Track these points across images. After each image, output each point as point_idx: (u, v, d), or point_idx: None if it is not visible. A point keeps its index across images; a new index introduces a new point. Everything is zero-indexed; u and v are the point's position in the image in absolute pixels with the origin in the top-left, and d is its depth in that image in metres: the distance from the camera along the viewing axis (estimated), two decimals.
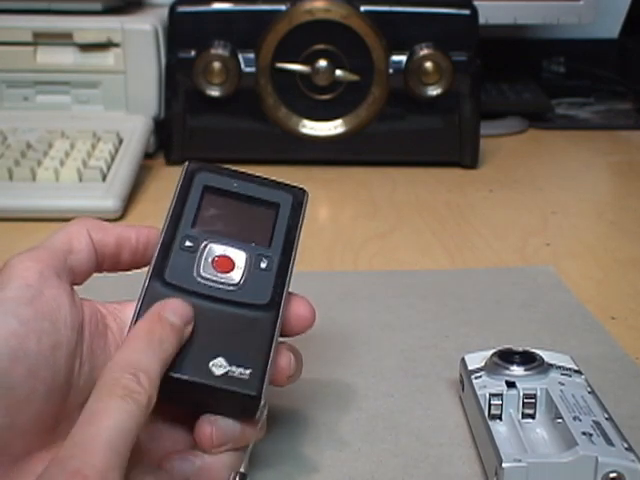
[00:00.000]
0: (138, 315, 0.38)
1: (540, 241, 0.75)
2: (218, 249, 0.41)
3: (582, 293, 0.64)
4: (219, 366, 0.38)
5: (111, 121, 0.93)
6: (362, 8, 0.92)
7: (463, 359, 0.48)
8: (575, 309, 0.61)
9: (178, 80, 0.93)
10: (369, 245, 0.74)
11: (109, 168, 0.84)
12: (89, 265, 0.41)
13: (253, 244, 0.42)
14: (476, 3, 0.94)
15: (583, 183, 0.94)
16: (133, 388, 0.33)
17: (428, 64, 0.91)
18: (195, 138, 0.95)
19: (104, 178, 0.82)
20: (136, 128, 0.91)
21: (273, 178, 0.45)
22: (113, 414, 0.32)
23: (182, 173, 0.43)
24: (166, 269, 0.40)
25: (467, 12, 0.93)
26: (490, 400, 0.44)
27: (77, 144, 0.87)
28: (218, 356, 0.38)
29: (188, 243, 0.41)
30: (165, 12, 0.95)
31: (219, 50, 0.91)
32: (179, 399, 0.38)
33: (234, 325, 0.39)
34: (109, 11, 0.97)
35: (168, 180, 0.91)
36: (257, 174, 0.44)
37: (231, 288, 0.40)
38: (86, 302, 0.40)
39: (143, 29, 0.94)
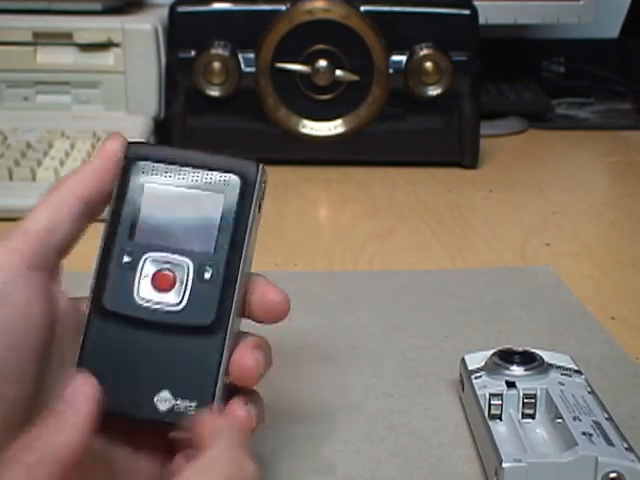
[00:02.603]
0: (81, 353, 0.36)
1: (540, 241, 0.75)
2: (158, 262, 0.36)
3: (582, 293, 0.64)
4: (164, 400, 0.35)
5: (111, 121, 0.92)
6: (362, 8, 0.92)
7: (463, 359, 0.48)
8: (575, 309, 0.61)
9: (178, 80, 0.93)
10: (369, 245, 0.74)
11: None
12: (78, 229, 0.38)
13: (196, 250, 0.37)
14: (476, 3, 0.94)
15: (583, 183, 0.95)
16: None
17: (428, 64, 0.91)
18: (195, 138, 0.95)
19: None
20: (136, 128, 0.91)
21: (227, 154, 0.39)
22: None
23: (122, 161, 0.38)
24: (104, 293, 0.36)
25: (467, 12, 0.93)
26: (490, 400, 0.44)
27: (77, 144, 0.87)
28: (163, 389, 0.36)
29: (126, 258, 0.36)
30: (165, 12, 0.94)
31: (219, 50, 0.91)
32: (129, 428, 0.37)
33: (179, 353, 0.36)
34: (109, 11, 0.97)
35: None
36: (209, 151, 0.39)
37: (172, 309, 0.36)
38: (65, 300, 0.38)
39: (143, 29, 0.94)
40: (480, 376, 0.46)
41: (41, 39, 0.94)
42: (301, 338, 0.57)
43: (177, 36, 0.94)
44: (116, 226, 0.37)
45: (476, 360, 0.47)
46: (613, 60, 1.28)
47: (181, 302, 0.36)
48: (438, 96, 0.93)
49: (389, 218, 0.81)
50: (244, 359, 0.37)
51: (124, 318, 0.36)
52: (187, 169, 0.37)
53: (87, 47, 0.94)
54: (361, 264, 0.70)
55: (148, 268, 0.36)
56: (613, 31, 1.27)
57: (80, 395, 0.33)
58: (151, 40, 0.94)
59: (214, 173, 0.37)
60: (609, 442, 0.39)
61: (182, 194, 0.37)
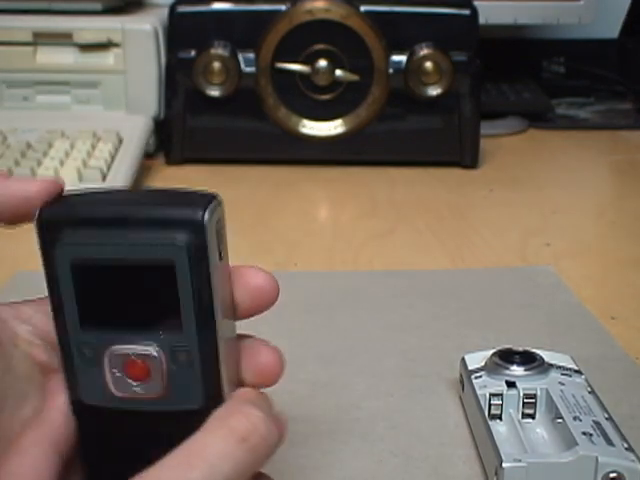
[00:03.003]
0: (83, 451, 0.33)
1: (540, 241, 0.75)
2: (124, 352, 0.31)
3: (582, 293, 0.63)
4: None
5: (111, 121, 0.93)
6: (362, 8, 0.92)
7: (463, 359, 0.48)
8: (575, 309, 0.61)
9: (178, 80, 0.93)
10: (369, 245, 0.74)
11: (109, 168, 0.84)
12: None
13: (162, 333, 0.31)
14: (476, 3, 0.94)
15: (583, 183, 0.94)
16: None
17: (428, 64, 0.92)
18: (195, 138, 0.95)
19: (104, 178, 0.82)
20: (136, 128, 0.91)
21: (166, 195, 0.32)
22: None
23: (39, 238, 0.31)
24: (79, 389, 0.32)
25: (467, 12, 0.93)
26: (490, 400, 0.44)
27: (77, 144, 0.87)
28: None
29: (87, 353, 0.32)
30: (165, 12, 0.95)
31: (219, 50, 0.91)
32: None
33: (173, 437, 0.30)
34: (109, 11, 0.97)
35: (168, 180, 0.91)
36: (141, 193, 0.32)
37: (155, 398, 0.32)
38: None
39: (143, 29, 0.94)
40: (480, 376, 0.46)
41: (41, 39, 0.94)
42: (301, 338, 0.57)
43: (177, 36, 0.94)
44: (62, 316, 0.32)
45: (476, 360, 0.47)
46: (613, 60, 1.28)
47: (163, 391, 0.32)
48: (438, 96, 0.93)
49: (389, 218, 0.81)
50: (260, 357, 0.34)
51: (106, 411, 0.32)
52: (121, 232, 0.30)
53: (87, 47, 0.94)
54: (361, 264, 0.70)
55: (115, 362, 0.32)
56: (613, 31, 1.27)
57: (54, 387, 0.33)
58: (151, 40, 0.94)
59: (154, 232, 0.30)
60: (609, 442, 0.39)
61: (124, 267, 0.31)
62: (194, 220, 0.30)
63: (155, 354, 0.31)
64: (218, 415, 0.31)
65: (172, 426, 0.31)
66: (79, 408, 0.33)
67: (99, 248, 0.30)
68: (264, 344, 0.35)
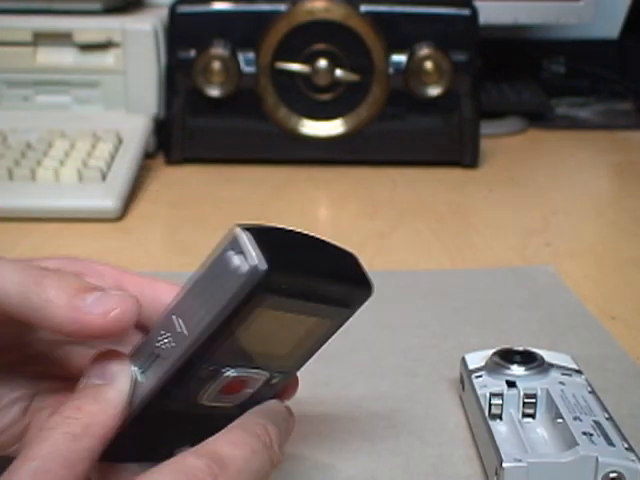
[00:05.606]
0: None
1: (540, 241, 0.75)
2: (236, 375, 0.33)
3: (582, 293, 0.63)
4: None
5: (111, 121, 0.92)
6: (362, 8, 0.92)
7: (464, 358, 0.48)
8: (575, 309, 0.61)
9: (178, 80, 0.93)
10: (369, 245, 0.74)
11: (109, 168, 0.84)
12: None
13: (276, 363, 0.35)
14: (476, 3, 0.94)
15: (583, 183, 0.94)
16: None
17: (428, 64, 0.92)
18: (195, 138, 0.95)
19: (104, 178, 0.82)
20: (136, 128, 0.91)
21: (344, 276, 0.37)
22: None
23: (239, 285, 0.31)
24: (163, 395, 0.33)
25: (467, 12, 0.93)
26: (490, 400, 0.44)
27: (77, 144, 0.87)
28: None
29: (203, 374, 0.33)
30: (165, 12, 0.95)
31: (219, 50, 0.91)
32: None
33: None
34: (109, 11, 0.97)
35: (168, 180, 0.91)
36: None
37: (237, 404, 0.35)
38: None
39: (143, 29, 0.94)
40: (480, 375, 0.46)
41: (41, 39, 0.94)
42: None
43: (177, 36, 0.94)
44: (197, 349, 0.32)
45: (476, 359, 0.47)
46: (613, 60, 1.28)
47: (247, 399, 0.35)
48: (438, 96, 0.93)
49: (389, 218, 0.81)
50: None
51: (184, 413, 0.34)
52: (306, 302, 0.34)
53: (87, 47, 0.94)
54: None
55: (223, 380, 0.33)
56: (613, 31, 1.27)
57: (122, 373, 0.32)
58: (151, 40, 0.94)
59: (327, 305, 0.36)
60: (609, 442, 0.39)
61: (293, 319, 0.34)
62: (367, 297, 0.38)
63: (257, 377, 0.34)
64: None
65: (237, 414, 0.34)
66: (149, 408, 0.32)
67: (288, 306, 0.33)
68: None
